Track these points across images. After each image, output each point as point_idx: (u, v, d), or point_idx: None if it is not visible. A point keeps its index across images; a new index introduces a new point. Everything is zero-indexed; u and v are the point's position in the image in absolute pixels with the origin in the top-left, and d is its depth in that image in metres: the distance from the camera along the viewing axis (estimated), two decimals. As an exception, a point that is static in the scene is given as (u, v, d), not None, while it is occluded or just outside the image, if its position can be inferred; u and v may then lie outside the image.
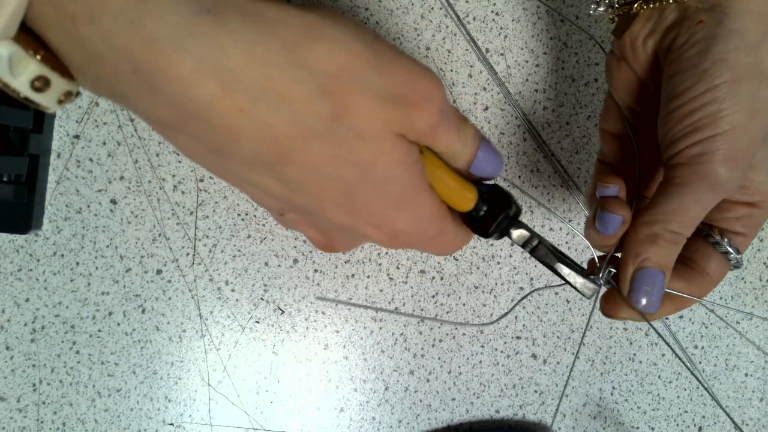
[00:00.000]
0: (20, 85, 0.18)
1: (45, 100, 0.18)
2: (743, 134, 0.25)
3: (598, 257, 0.30)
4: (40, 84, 0.18)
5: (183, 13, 0.16)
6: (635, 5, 0.29)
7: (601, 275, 0.29)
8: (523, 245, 0.28)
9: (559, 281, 0.30)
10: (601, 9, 0.31)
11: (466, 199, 0.25)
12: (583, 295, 0.29)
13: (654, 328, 0.33)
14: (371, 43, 0.20)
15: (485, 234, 0.26)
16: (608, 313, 0.30)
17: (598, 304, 0.31)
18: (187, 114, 0.18)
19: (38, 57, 0.17)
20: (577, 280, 0.29)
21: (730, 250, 0.30)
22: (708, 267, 0.30)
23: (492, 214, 0.26)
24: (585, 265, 0.31)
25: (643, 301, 0.28)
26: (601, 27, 0.43)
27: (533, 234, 0.28)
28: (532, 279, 0.44)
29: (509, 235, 0.27)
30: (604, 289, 0.31)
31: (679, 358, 0.40)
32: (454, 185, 0.25)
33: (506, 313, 0.44)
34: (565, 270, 0.29)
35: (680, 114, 0.26)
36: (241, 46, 0.17)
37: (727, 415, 0.35)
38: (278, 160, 0.19)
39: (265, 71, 0.17)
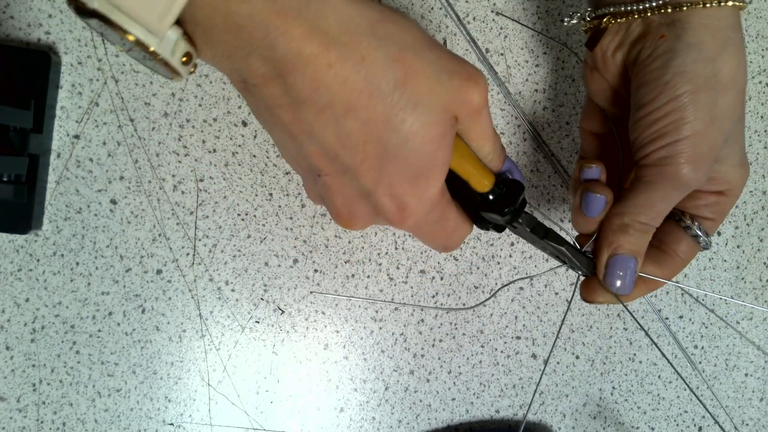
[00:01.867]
0: (175, 61, 0.22)
1: (185, 71, 0.23)
2: (704, 139, 0.28)
3: (579, 246, 0.33)
4: (186, 59, 0.22)
5: None
6: (604, 20, 0.31)
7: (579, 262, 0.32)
8: (532, 230, 0.31)
9: (545, 269, 0.32)
10: (574, 21, 0.34)
11: (488, 177, 0.28)
12: (585, 275, 0.33)
13: (630, 312, 0.33)
14: (425, 33, 0.25)
15: (501, 212, 0.28)
16: (586, 297, 0.33)
17: (578, 294, 0.34)
18: (291, 66, 0.22)
19: (185, 37, 0.22)
20: (582, 260, 0.32)
21: (700, 233, 0.32)
22: (678, 249, 0.33)
23: (508, 196, 0.28)
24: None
25: (618, 284, 0.31)
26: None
27: (538, 223, 0.31)
28: (532, 279, 0.44)
29: (519, 219, 0.30)
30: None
31: (654, 342, 0.40)
32: (479, 164, 0.28)
33: (490, 297, 0.44)
34: (570, 252, 0.32)
35: (647, 122, 0.29)
36: (337, 17, 0.22)
37: (708, 410, 0.35)
38: (346, 111, 0.23)
39: (353, 38, 0.22)
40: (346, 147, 0.24)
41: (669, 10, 0.29)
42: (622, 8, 0.30)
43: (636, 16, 0.30)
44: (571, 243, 0.33)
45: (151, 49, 0.21)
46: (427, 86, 0.24)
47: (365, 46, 0.22)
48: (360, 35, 0.22)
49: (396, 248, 0.43)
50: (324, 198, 0.27)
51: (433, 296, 0.43)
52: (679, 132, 0.28)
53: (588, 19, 0.33)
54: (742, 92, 0.29)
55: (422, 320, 0.43)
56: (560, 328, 0.45)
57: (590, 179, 0.32)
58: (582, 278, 0.33)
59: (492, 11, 0.42)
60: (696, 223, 0.32)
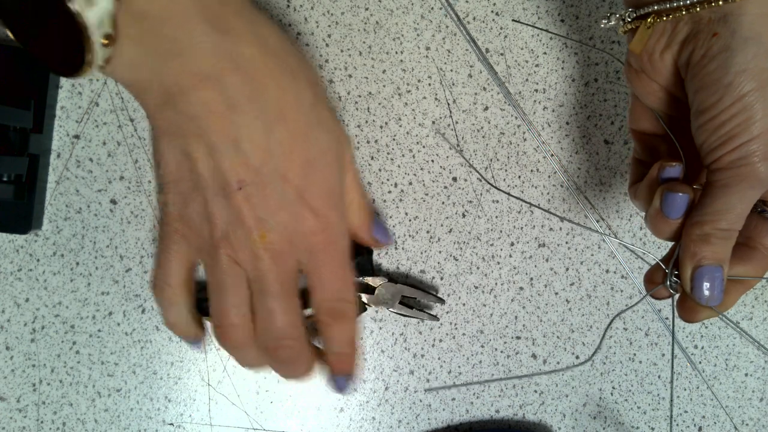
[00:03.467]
0: (97, 39, 0.21)
1: (106, 53, 0.22)
2: None
3: (662, 262, 0.32)
4: (107, 42, 0.22)
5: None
6: (649, 19, 0.29)
7: (668, 282, 0.31)
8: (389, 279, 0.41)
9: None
10: (612, 23, 0.32)
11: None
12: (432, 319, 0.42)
13: (731, 322, 0.33)
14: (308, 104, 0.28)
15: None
16: (685, 317, 0.31)
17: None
18: (234, 67, 0.25)
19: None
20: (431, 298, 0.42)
21: None
22: (766, 241, 0.31)
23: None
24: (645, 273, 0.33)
25: (706, 295, 0.29)
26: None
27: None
28: (532, 279, 0.44)
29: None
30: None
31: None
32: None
33: (597, 349, 0.44)
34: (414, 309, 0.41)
35: (712, 126, 0.27)
36: (274, 35, 0.26)
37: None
38: (277, 119, 0.26)
39: (288, 54, 0.27)
40: (275, 154, 0.25)
41: (720, 3, 0.27)
42: (668, 5, 0.28)
43: (683, 12, 0.28)
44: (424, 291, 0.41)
45: (80, 11, 0.21)
46: (327, 114, 0.27)
47: (295, 63, 0.25)
48: (294, 56, 0.25)
49: (396, 248, 0.43)
50: (233, 216, 0.28)
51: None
52: (749, 132, 0.27)
53: (629, 19, 0.31)
54: None
55: (422, 320, 0.43)
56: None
57: (671, 178, 0.30)
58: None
59: (512, 20, 0.42)
60: None
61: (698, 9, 0.28)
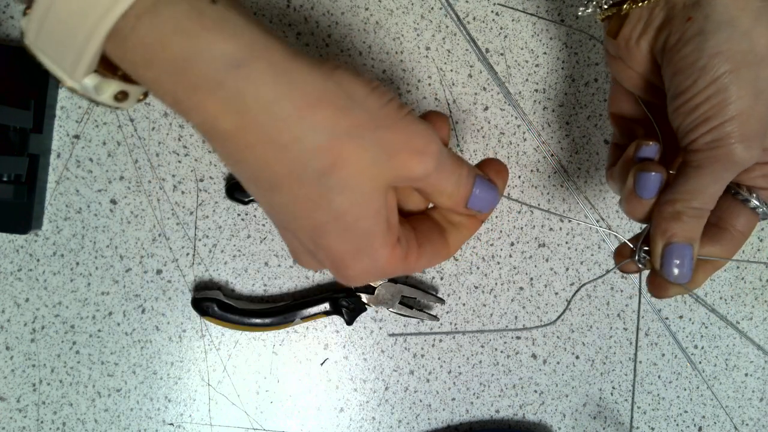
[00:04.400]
0: (106, 99, 0.22)
1: (126, 105, 0.23)
2: (751, 116, 0.27)
3: (630, 240, 0.32)
4: (121, 96, 0.22)
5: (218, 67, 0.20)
6: (624, 6, 0.30)
7: (636, 257, 0.31)
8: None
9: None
10: (589, 10, 0.32)
11: None
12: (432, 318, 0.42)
13: (701, 300, 0.33)
14: (372, 107, 0.23)
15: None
16: (654, 293, 0.31)
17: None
18: (209, 137, 0.22)
19: (118, 76, 0.22)
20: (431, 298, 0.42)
21: (759, 204, 0.31)
22: (737, 223, 0.31)
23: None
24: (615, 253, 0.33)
25: (675, 272, 0.30)
26: (599, 26, 0.43)
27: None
28: (532, 279, 0.44)
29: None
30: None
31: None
32: None
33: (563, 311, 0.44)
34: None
35: (688, 108, 0.28)
36: (259, 97, 0.20)
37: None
38: (271, 187, 0.22)
39: (276, 123, 0.21)
40: (279, 216, 0.24)
41: None
42: None
43: None
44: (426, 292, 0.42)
45: (73, 87, 0.21)
46: (359, 170, 0.22)
47: (289, 132, 0.21)
48: (284, 120, 0.21)
49: (396, 248, 0.43)
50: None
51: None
52: (724, 113, 0.27)
53: (605, 6, 0.31)
54: None
55: (422, 320, 0.43)
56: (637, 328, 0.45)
57: (646, 158, 0.30)
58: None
59: (495, 4, 0.42)
60: (754, 194, 0.31)
61: None
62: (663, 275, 0.30)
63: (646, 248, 0.31)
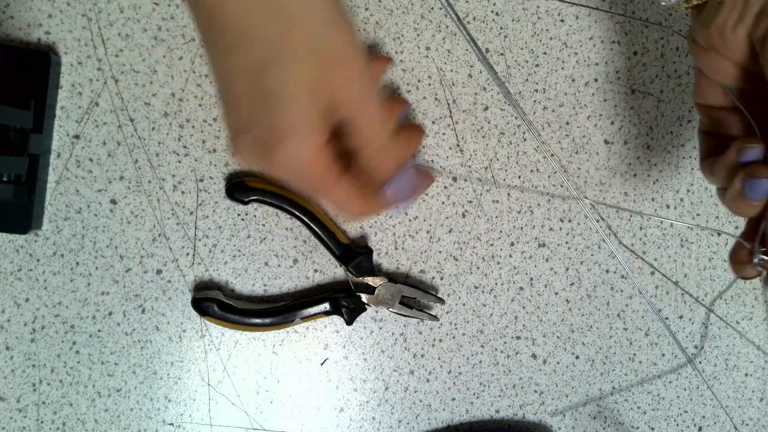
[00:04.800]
0: None
1: None
2: None
3: (744, 240, 0.31)
4: None
5: None
6: None
7: (755, 259, 0.30)
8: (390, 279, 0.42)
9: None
10: (673, 1, 0.31)
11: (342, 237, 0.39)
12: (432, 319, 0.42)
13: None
14: (347, 21, 0.25)
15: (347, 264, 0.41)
16: (736, 266, 0.31)
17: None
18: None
19: None
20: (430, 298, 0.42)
21: None
22: None
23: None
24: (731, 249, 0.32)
25: None
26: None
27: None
28: (532, 279, 0.44)
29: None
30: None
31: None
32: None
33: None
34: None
35: None
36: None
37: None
38: (237, 42, 0.24)
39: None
40: (233, 80, 0.25)
41: None
42: None
43: None
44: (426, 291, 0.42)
45: None
46: (310, 42, 0.24)
47: None
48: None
49: (396, 248, 0.43)
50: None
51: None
52: None
53: None
54: None
55: (422, 320, 0.43)
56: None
57: (751, 161, 0.29)
58: None
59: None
60: None
61: None
62: None
63: (763, 249, 0.29)
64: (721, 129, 0.33)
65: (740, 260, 0.31)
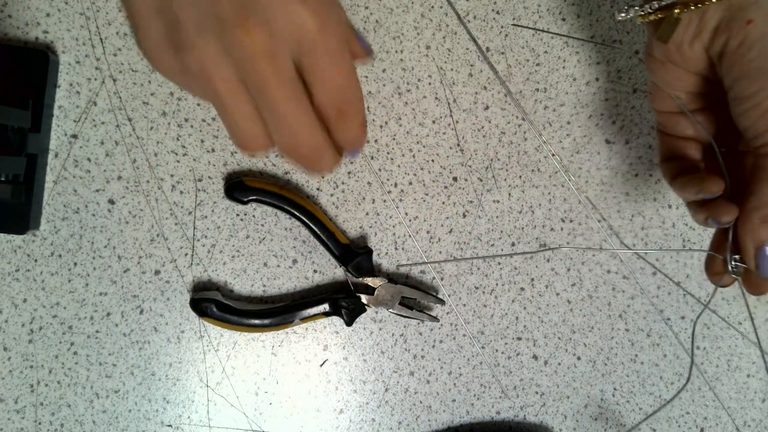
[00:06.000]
0: None
1: None
2: None
3: (715, 251, 0.34)
4: None
5: None
6: (676, 11, 0.29)
7: (730, 267, 0.33)
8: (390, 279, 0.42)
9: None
10: (630, 15, 0.31)
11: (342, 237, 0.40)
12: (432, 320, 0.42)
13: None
14: None
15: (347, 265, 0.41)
16: (753, 292, 0.33)
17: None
18: None
19: None
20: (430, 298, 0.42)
21: None
22: None
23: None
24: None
25: None
26: (602, 26, 0.43)
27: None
28: (533, 280, 0.44)
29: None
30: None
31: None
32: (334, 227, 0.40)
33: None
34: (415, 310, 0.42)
35: (758, 112, 0.28)
36: None
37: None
38: None
39: None
40: None
41: None
42: None
43: (713, 1, 0.28)
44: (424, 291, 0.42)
45: None
46: None
47: None
48: None
49: (396, 248, 0.43)
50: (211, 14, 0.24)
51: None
52: None
53: (650, 10, 0.30)
54: None
55: (422, 321, 0.42)
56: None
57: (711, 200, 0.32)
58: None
59: (511, 24, 0.42)
60: None
61: None
62: (761, 275, 0.31)
63: (735, 256, 0.32)
64: (678, 131, 0.35)
65: (716, 271, 0.33)
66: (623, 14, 0.32)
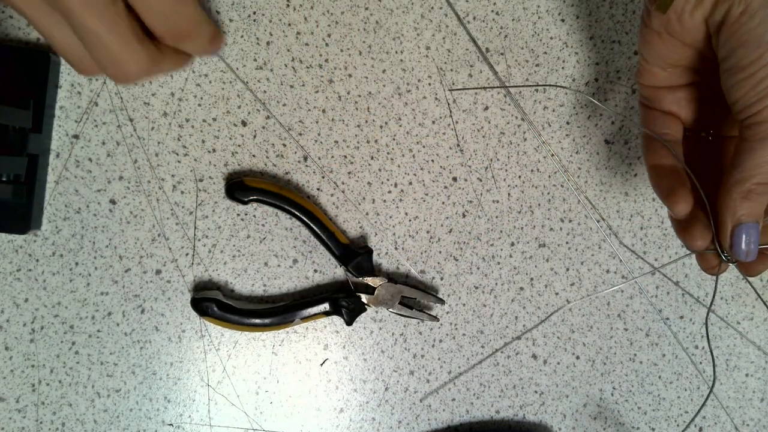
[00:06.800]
0: None
1: None
2: None
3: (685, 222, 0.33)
4: None
5: None
6: None
7: (724, 257, 0.32)
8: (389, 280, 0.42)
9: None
10: None
11: (342, 237, 0.41)
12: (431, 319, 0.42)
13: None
14: None
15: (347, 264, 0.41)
16: (748, 273, 0.33)
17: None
18: None
19: None
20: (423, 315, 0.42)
21: None
22: None
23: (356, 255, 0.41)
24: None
25: (744, 250, 0.31)
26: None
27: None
28: (532, 279, 0.44)
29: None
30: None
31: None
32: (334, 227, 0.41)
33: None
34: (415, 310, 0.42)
35: (752, 82, 0.28)
36: None
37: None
38: None
39: None
40: None
41: None
42: None
43: None
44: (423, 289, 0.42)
45: None
46: None
47: None
48: None
49: (396, 248, 0.43)
50: None
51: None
52: None
53: None
54: None
55: (422, 320, 0.43)
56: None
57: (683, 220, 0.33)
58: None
59: (449, 89, 0.42)
60: None
61: None
62: (733, 255, 0.31)
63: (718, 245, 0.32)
64: (662, 106, 0.35)
65: (710, 265, 0.33)
66: None
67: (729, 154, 0.34)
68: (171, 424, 0.41)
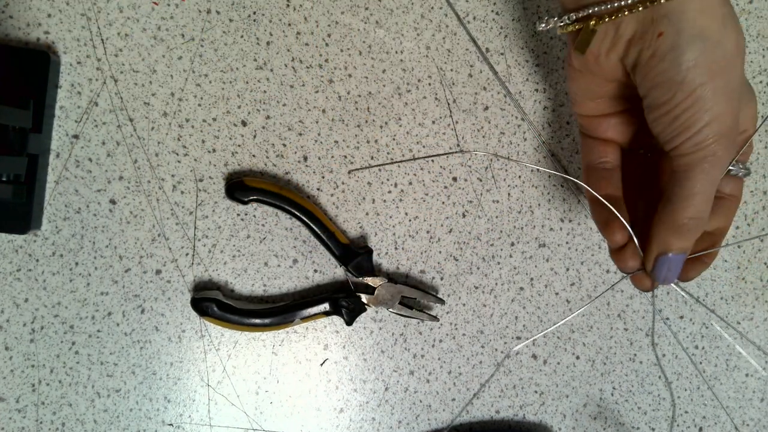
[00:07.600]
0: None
1: None
2: (726, 116, 0.29)
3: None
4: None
5: None
6: (591, 22, 0.30)
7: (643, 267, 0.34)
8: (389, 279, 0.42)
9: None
10: (550, 26, 0.33)
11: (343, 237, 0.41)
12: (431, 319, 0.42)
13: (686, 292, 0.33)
14: None
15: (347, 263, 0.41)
16: (643, 290, 0.35)
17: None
18: None
19: None
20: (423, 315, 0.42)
21: (734, 168, 0.34)
22: (725, 190, 0.34)
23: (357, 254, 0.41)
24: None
25: (664, 276, 0.33)
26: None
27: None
28: (532, 279, 0.44)
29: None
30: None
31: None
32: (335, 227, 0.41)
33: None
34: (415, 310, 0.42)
35: (668, 119, 0.29)
36: None
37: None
38: None
39: None
40: None
41: (661, 1, 0.28)
42: (609, 6, 0.29)
43: (625, 13, 0.29)
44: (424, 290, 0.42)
45: None
46: None
47: None
48: None
49: (396, 248, 0.43)
50: None
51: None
52: (702, 119, 0.28)
53: (568, 21, 0.31)
54: (744, 52, 0.29)
55: (422, 320, 0.43)
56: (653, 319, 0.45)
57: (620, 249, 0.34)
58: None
59: (348, 172, 0.42)
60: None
61: (640, 8, 0.28)
62: (652, 277, 0.33)
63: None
64: (599, 134, 0.37)
65: (644, 286, 0.35)
66: (543, 25, 0.33)
67: (666, 170, 0.36)
68: (171, 424, 0.41)
